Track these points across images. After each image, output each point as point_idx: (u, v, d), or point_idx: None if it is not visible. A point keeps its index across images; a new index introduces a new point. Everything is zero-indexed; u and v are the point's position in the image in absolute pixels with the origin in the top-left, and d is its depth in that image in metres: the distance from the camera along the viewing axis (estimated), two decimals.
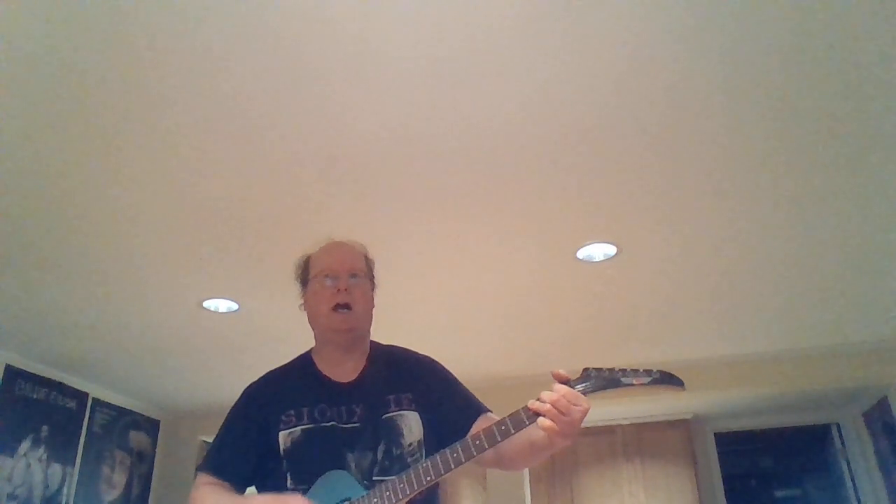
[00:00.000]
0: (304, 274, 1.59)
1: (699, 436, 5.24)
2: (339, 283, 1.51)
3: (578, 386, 1.30)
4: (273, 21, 1.67)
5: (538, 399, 1.27)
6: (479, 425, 1.44)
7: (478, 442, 1.30)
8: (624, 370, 1.32)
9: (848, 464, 4.97)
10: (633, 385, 1.30)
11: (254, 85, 1.89)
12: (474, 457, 1.31)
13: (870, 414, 4.70)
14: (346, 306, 1.49)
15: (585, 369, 1.33)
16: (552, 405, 1.24)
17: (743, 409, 5.11)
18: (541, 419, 1.25)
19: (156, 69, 1.82)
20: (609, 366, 1.33)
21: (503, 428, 1.29)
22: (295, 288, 1.63)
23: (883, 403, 4.42)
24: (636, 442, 5.14)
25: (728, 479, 5.17)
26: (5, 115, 1.97)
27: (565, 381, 1.30)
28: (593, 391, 1.31)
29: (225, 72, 1.84)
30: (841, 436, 5.06)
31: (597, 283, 3.22)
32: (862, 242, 2.87)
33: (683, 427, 5.13)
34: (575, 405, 1.25)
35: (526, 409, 1.29)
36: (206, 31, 1.70)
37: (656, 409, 5.06)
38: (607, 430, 5.17)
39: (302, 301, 1.60)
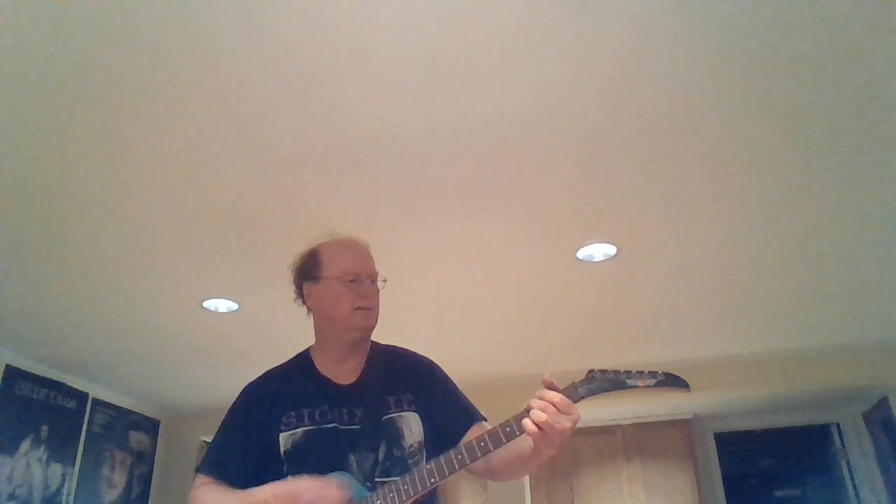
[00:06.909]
0: (314, 270, 1.57)
1: (699, 436, 5.24)
2: (364, 287, 1.53)
3: (582, 388, 1.28)
4: (273, 20, 1.67)
5: (530, 405, 1.26)
6: (472, 433, 1.45)
7: (482, 444, 1.29)
8: (629, 372, 1.30)
9: (848, 464, 4.98)
10: (638, 387, 1.28)
11: (254, 84, 1.89)
12: (479, 458, 1.30)
13: (870, 414, 4.70)
14: (368, 308, 1.53)
15: (590, 371, 1.31)
16: (542, 411, 1.23)
17: (743, 409, 5.11)
18: (526, 422, 1.24)
19: (156, 69, 1.82)
20: (613, 367, 1.31)
21: (507, 430, 1.28)
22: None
23: (883, 403, 4.42)
24: (636, 442, 5.14)
25: (728, 479, 5.17)
26: (6, 115, 1.97)
27: (556, 390, 1.27)
28: (598, 393, 1.28)
29: (225, 71, 1.84)
30: (841, 436, 5.07)
31: (597, 283, 3.22)
32: (862, 243, 2.87)
33: (683, 427, 5.14)
34: (566, 413, 1.23)
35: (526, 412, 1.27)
36: (206, 31, 1.70)
37: (656, 409, 5.06)
38: (607, 430, 5.17)
39: (301, 294, 1.59)
